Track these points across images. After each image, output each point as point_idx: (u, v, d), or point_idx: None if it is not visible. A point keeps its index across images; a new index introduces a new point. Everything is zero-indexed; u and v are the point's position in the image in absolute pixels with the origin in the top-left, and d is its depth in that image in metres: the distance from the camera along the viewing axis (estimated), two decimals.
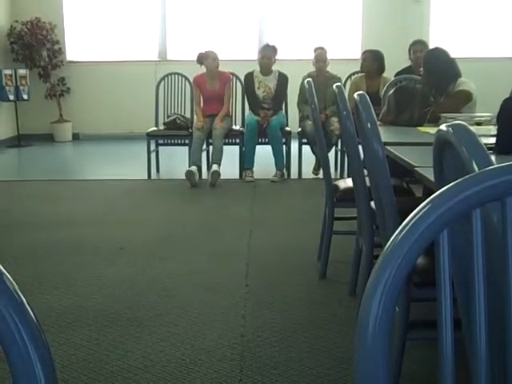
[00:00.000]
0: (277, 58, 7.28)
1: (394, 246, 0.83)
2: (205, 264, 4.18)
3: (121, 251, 4.47)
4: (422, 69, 4.66)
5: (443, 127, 1.29)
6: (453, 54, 4.58)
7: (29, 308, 0.76)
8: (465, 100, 4.32)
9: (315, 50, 7.28)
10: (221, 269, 4.08)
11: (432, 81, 4.40)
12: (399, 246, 0.82)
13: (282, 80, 7.20)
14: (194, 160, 6.81)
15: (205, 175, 7.07)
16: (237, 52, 9.81)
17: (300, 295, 3.62)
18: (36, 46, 9.83)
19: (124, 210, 5.75)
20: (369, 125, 2.39)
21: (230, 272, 4.01)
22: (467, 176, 0.84)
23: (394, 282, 0.82)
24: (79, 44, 10.44)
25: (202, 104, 7.20)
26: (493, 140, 3.07)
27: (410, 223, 0.82)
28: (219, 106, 7.09)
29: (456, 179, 0.85)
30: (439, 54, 4.54)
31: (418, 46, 7.11)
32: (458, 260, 1.14)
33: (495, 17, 10.22)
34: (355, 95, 2.58)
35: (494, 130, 3.40)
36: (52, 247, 4.57)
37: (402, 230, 0.83)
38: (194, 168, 6.70)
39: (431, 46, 7.23)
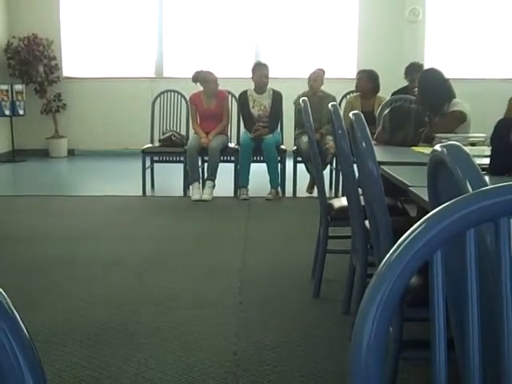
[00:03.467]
0: (270, 76, 7.32)
1: (388, 265, 0.83)
2: (198, 281, 4.17)
3: (114, 267, 4.45)
4: (416, 89, 4.69)
5: (438, 147, 1.30)
6: (447, 75, 4.61)
7: (21, 323, 0.76)
8: (459, 120, 4.34)
9: (313, 71, 7.30)
10: (214, 286, 4.07)
11: (427, 101, 4.43)
12: (393, 265, 0.82)
13: (277, 98, 7.21)
14: (195, 176, 6.84)
15: None
16: (232, 70, 9.84)
17: (293, 313, 3.61)
18: (33, 61, 9.86)
19: (118, 225, 5.74)
20: (364, 144, 2.40)
21: (223, 289, 4.00)
22: (461, 196, 0.85)
23: (388, 302, 0.82)
24: (76, 60, 10.47)
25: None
26: (487, 161, 3.08)
27: (405, 243, 0.83)
28: (215, 123, 7.12)
29: (450, 199, 0.86)
30: (434, 74, 4.57)
31: (415, 67, 7.18)
32: (452, 280, 1.14)
33: (490, 38, 10.30)
34: (350, 114, 2.59)
35: (487, 150, 3.41)
36: (45, 262, 4.55)
37: (396, 250, 0.83)
38: (197, 184, 6.77)
39: (426, 66, 7.28)
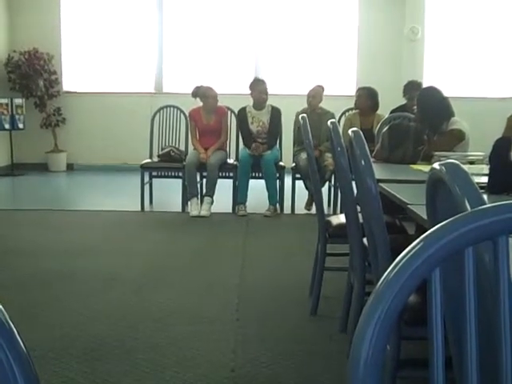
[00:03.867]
0: (270, 92, 7.34)
1: (386, 283, 0.83)
2: (196, 296, 4.16)
3: (112, 282, 4.44)
4: (415, 107, 4.71)
5: (436, 165, 1.30)
6: (446, 93, 4.63)
7: (18, 337, 0.76)
8: (458, 139, 4.36)
9: (313, 88, 7.31)
10: (212, 302, 4.06)
11: (425, 119, 4.44)
12: (391, 283, 0.82)
13: (275, 114, 7.22)
14: (193, 192, 6.84)
15: None
16: (232, 86, 9.88)
17: (291, 330, 3.60)
18: (33, 75, 9.88)
19: (116, 240, 5.73)
20: (363, 161, 2.41)
21: (221, 305, 3.99)
22: (460, 215, 0.85)
23: (386, 320, 0.82)
24: (76, 74, 10.50)
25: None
26: (485, 179, 3.08)
27: (403, 261, 0.83)
28: (214, 139, 7.13)
29: (448, 217, 0.86)
30: (433, 92, 4.58)
31: (413, 85, 7.20)
32: (450, 298, 1.14)
33: (488, 57, 10.34)
34: (350, 132, 2.60)
35: (486, 169, 3.42)
36: (44, 276, 4.54)
37: (394, 267, 0.83)
38: (195, 199, 6.78)
39: (425, 84, 7.31)
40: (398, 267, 0.83)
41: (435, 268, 0.85)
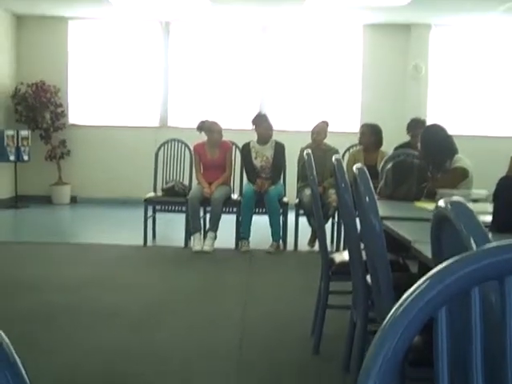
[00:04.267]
0: (274, 128, 7.38)
1: (393, 320, 0.82)
2: (198, 332, 4.13)
3: (115, 317, 4.42)
4: (419, 144, 4.72)
5: (442, 203, 1.30)
6: (450, 131, 4.65)
7: (23, 370, 0.76)
8: (461, 177, 4.37)
9: (317, 124, 7.35)
10: (214, 337, 4.03)
11: (429, 156, 4.46)
12: (398, 321, 0.82)
13: (279, 149, 7.25)
14: (196, 226, 6.84)
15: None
16: (237, 121, 9.93)
17: (293, 369, 3.56)
18: (39, 108, 9.96)
19: (119, 275, 5.71)
20: (367, 198, 2.41)
21: (223, 341, 3.96)
22: (466, 253, 0.85)
23: (392, 358, 0.81)
24: (82, 107, 10.57)
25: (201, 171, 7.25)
26: (489, 218, 3.08)
27: (410, 299, 0.82)
28: (218, 174, 7.13)
29: (454, 256, 0.85)
30: (437, 130, 4.61)
31: (417, 123, 7.23)
32: (455, 337, 1.13)
33: (491, 96, 10.40)
34: (354, 168, 2.60)
35: (490, 207, 3.41)
36: (45, 309, 4.52)
37: (401, 306, 0.83)
38: (198, 235, 6.78)
39: (428, 122, 7.34)
40: (404, 305, 0.83)
41: (441, 307, 0.84)
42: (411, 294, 0.83)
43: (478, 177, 4.66)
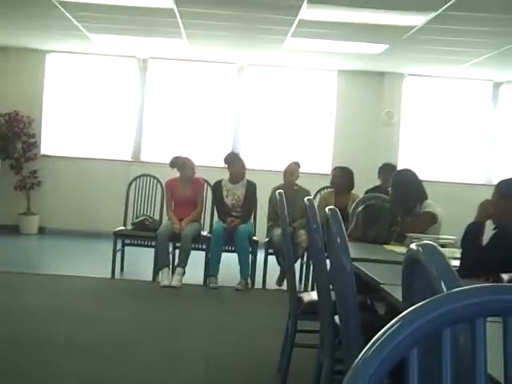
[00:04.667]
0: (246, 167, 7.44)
1: (364, 360, 0.83)
2: (163, 369, 4.09)
3: (79, 350, 4.36)
4: (390, 188, 4.79)
5: (413, 246, 1.32)
6: (420, 177, 4.72)
7: None
8: (430, 222, 4.43)
9: (289, 164, 7.41)
10: (179, 374, 3.99)
11: (399, 201, 4.52)
12: (370, 361, 0.83)
13: (251, 188, 7.27)
14: (164, 262, 6.81)
15: None
16: (208, 159, 9.96)
17: None
18: (11, 138, 9.90)
19: (85, 307, 5.64)
20: (338, 239, 2.43)
21: (188, 378, 3.93)
22: (439, 295, 0.87)
23: None
24: (55, 138, 10.53)
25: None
26: (456, 263, 3.12)
27: (382, 338, 0.84)
28: (189, 210, 7.13)
29: (424, 298, 0.87)
30: (408, 174, 4.68)
31: (388, 168, 7.33)
32: (424, 378, 1.15)
33: (462, 145, 10.59)
34: (326, 209, 2.63)
35: (458, 252, 3.46)
36: (7, 341, 4.45)
37: (372, 345, 0.84)
38: (166, 270, 6.75)
39: (400, 166, 7.45)
40: (376, 345, 0.84)
41: (413, 347, 0.86)
42: (384, 333, 0.85)
43: (447, 223, 4.72)
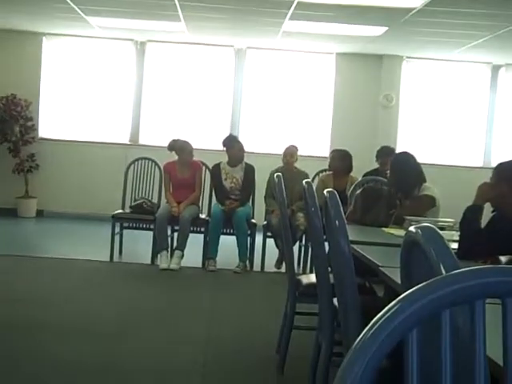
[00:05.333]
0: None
1: (363, 342, 0.84)
2: (162, 351, 4.11)
3: (77, 333, 4.37)
4: (388, 171, 4.79)
5: (412, 229, 1.33)
6: (419, 159, 4.72)
7: None
8: (429, 204, 4.43)
9: (288, 147, 7.40)
10: (178, 357, 4.01)
11: (398, 184, 4.51)
12: (368, 343, 0.83)
13: (249, 171, 7.27)
14: (163, 244, 6.82)
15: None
16: (207, 142, 9.94)
17: None
18: (9, 121, 9.87)
19: (84, 290, 5.65)
20: (337, 222, 2.43)
21: (187, 361, 3.94)
22: (438, 277, 0.87)
23: (363, 380, 0.82)
24: (52, 122, 10.50)
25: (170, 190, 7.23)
26: (455, 245, 3.13)
27: (381, 321, 0.84)
28: (187, 193, 7.13)
29: (423, 280, 0.87)
30: (406, 157, 4.67)
31: (386, 151, 7.33)
32: (423, 360, 1.15)
33: (461, 127, 10.57)
34: (325, 192, 2.63)
35: (456, 235, 3.47)
36: (4, 324, 4.46)
37: (371, 328, 0.84)
38: (165, 252, 6.76)
39: (398, 150, 7.44)
40: (375, 327, 0.84)
41: (412, 329, 0.86)
42: (382, 315, 0.85)
43: (445, 205, 4.72)
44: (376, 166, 7.42)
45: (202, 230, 7.14)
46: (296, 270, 5.90)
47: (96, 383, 3.49)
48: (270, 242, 7.10)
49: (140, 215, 7.21)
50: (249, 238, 7.08)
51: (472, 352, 0.86)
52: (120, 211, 7.36)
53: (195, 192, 7.20)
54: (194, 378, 3.66)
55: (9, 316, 4.64)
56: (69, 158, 10.27)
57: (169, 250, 6.93)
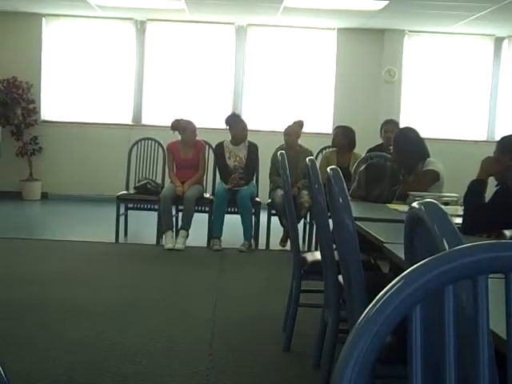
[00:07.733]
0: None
1: (367, 319, 0.84)
2: (169, 330, 4.13)
3: (84, 313, 4.40)
4: (392, 147, 4.77)
5: (415, 205, 1.32)
6: (422, 135, 4.70)
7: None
8: (433, 179, 4.42)
9: (290, 125, 7.35)
10: (185, 336, 4.03)
11: (401, 159, 4.51)
12: (373, 319, 0.83)
13: (253, 149, 7.24)
14: (168, 225, 6.83)
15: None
16: (210, 120, 9.92)
17: (264, 367, 3.58)
18: (11, 104, 9.85)
19: (90, 271, 5.68)
20: (340, 199, 2.43)
21: (193, 340, 3.97)
22: (441, 253, 0.87)
23: (367, 356, 0.82)
24: (54, 104, 10.48)
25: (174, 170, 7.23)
26: (459, 220, 3.13)
27: (385, 297, 0.84)
28: (191, 173, 7.13)
29: (426, 256, 0.87)
30: (409, 133, 4.66)
31: (389, 125, 7.27)
32: (427, 336, 1.16)
33: (463, 101, 10.52)
34: (328, 169, 2.62)
35: (460, 210, 3.47)
36: (13, 306, 4.49)
37: (376, 304, 0.84)
38: (170, 233, 6.78)
39: (402, 125, 7.40)
40: (379, 304, 0.84)
41: (416, 305, 0.86)
42: (386, 292, 0.85)
43: (450, 180, 4.72)
44: (380, 141, 7.38)
45: (207, 209, 7.15)
46: (301, 248, 5.91)
47: (101, 362, 3.51)
48: (275, 220, 7.10)
49: (144, 196, 7.22)
50: (253, 217, 7.09)
51: (475, 326, 0.87)
52: (124, 192, 7.37)
53: (199, 171, 7.20)
54: (200, 356, 3.68)
55: (15, 297, 4.66)
56: (72, 140, 10.26)
57: (174, 229, 6.95)
